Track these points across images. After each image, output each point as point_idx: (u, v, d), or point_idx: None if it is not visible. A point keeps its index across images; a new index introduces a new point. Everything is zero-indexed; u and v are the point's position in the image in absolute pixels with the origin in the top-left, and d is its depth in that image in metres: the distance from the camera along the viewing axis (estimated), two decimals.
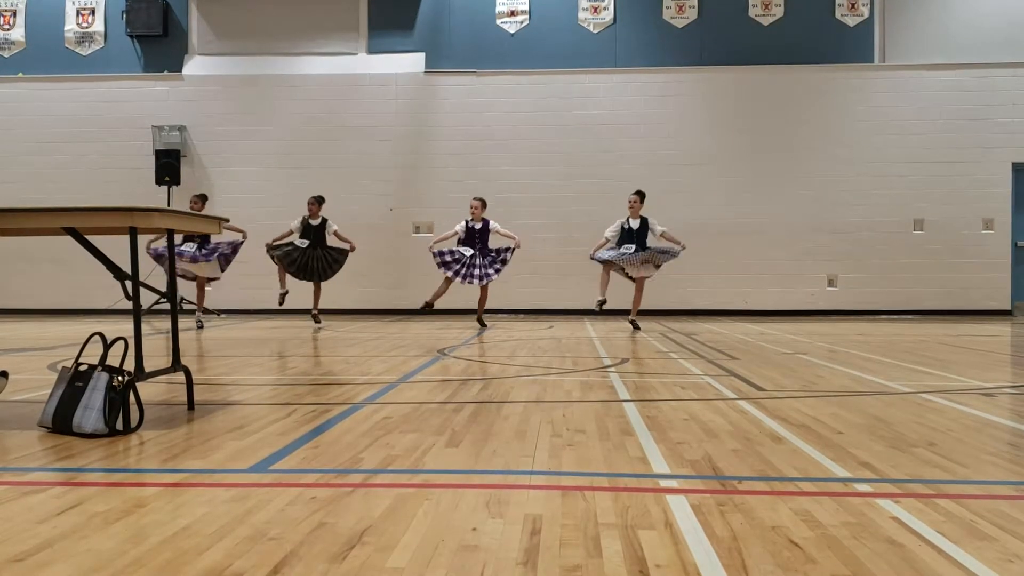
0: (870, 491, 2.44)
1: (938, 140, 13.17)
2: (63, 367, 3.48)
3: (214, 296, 13.11)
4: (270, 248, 10.26)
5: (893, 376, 5.23)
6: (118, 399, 3.28)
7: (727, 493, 2.42)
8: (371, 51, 13.77)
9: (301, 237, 10.35)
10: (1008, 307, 13.13)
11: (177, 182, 13.22)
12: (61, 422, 3.26)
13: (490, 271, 10.17)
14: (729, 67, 13.41)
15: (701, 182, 13.35)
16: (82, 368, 3.36)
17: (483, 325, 10.37)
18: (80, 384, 3.28)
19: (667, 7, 13.50)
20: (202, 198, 10.37)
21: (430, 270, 13.27)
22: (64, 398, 3.29)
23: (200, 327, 9.92)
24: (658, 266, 9.74)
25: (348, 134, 13.65)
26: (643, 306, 13.14)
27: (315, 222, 10.42)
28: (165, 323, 9.79)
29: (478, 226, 10.29)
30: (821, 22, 13.38)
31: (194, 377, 4.05)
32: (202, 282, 10.11)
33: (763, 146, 13.36)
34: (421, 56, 13.63)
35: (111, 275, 3.68)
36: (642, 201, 9.74)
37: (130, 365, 3.43)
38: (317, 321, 10.40)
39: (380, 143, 13.63)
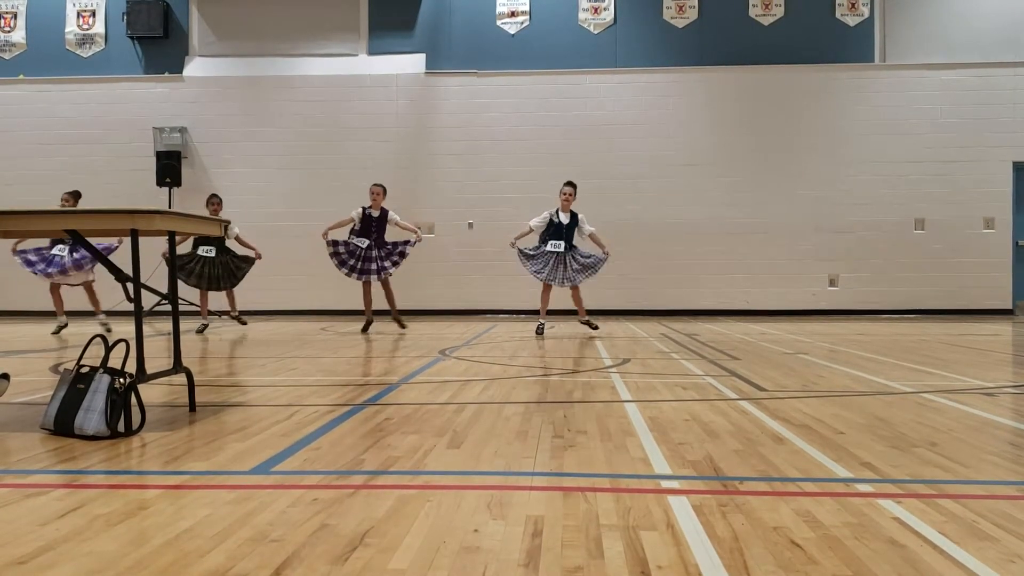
0: (871, 491, 2.44)
1: (939, 139, 13.17)
2: (65, 369, 3.49)
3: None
4: (167, 259, 9.46)
5: (894, 376, 5.23)
6: (120, 401, 3.28)
7: (728, 494, 2.42)
8: (372, 52, 13.78)
9: (200, 244, 9.50)
10: (1009, 306, 13.12)
11: (178, 183, 13.24)
12: (63, 424, 3.27)
13: (386, 264, 9.36)
14: (729, 67, 13.41)
15: (702, 182, 13.36)
16: (84, 370, 3.36)
17: (402, 326, 9.68)
18: (82, 386, 3.28)
19: (667, 7, 13.51)
20: (219, 200, 9.78)
21: (431, 271, 13.33)
22: (66, 400, 3.29)
23: (108, 330, 9.07)
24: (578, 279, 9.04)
25: (349, 135, 13.66)
26: (644, 306, 13.23)
27: None
28: (166, 325, 9.79)
29: (375, 214, 9.44)
30: (821, 22, 13.38)
31: (195, 379, 4.05)
32: (88, 285, 9.53)
33: (764, 146, 13.36)
34: (422, 57, 13.64)
35: (112, 277, 3.69)
36: (575, 194, 9.04)
37: (131, 367, 3.44)
38: (242, 322, 9.86)
39: (381, 144, 13.63)
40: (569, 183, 9.13)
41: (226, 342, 8.41)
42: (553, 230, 9.02)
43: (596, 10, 13.54)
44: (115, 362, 3.38)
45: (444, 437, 3.27)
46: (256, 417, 3.77)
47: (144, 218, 3.53)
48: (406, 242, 9.49)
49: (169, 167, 13.21)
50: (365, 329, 9.54)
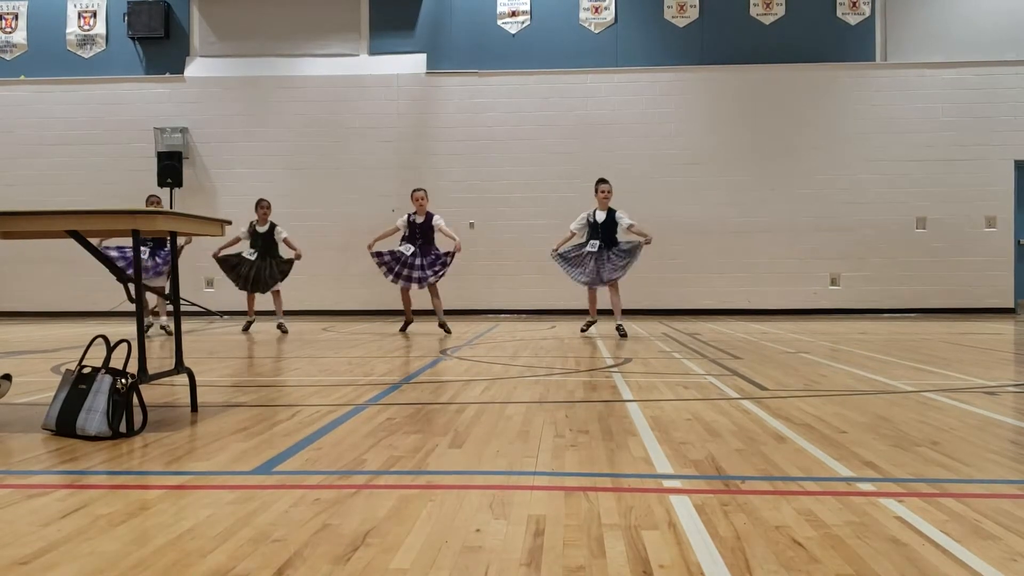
0: (873, 490, 2.44)
1: (940, 138, 13.17)
2: (66, 370, 3.49)
3: (217, 298, 13.13)
4: (218, 260, 9.60)
5: (896, 375, 5.22)
6: (121, 401, 3.28)
7: (730, 493, 2.42)
8: (372, 52, 13.79)
9: (250, 246, 9.63)
10: (1011, 305, 13.12)
11: (179, 184, 13.25)
12: (65, 425, 3.27)
13: (427, 272, 9.07)
14: (730, 66, 13.41)
15: (703, 181, 13.35)
16: (85, 371, 3.36)
17: (447, 331, 9.16)
18: (84, 387, 3.28)
19: (668, 7, 13.50)
20: (267, 204, 9.84)
21: None
22: (68, 401, 3.29)
23: (169, 333, 9.10)
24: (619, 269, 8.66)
25: (350, 135, 13.66)
26: (645, 305, 13.21)
27: (263, 228, 9.69)
28: (168, 325, 9.78)
29: (420, 220, 9.19)
30: (822, 21, 13.38)
31: (197, 379, 4.05)
32: (159, 290, 9.48)
33: (765, 145, 13.36)
34: (422, 57, 13.65)
35: (113, 278, 3.69)
36: (611, 190, 8.78)
37: (133, 367, 3.44)
38: (284, 330, 9.56)
39: (382, 144, 13.64)
40: (605, 180, 8.90)
41: (227, 343, 8.41)
42: (591, 230, 8.80)
43: (597, 9, 13.54)
44: (117, 362, 3.39)
45: (446, 437, 3.27)
46: (258, 417, 3.77)
47: (145, 219, 3.53)
48: (448, 253, 9.15)
49: (170, 167, 13.21)
50: (404, 328, 9.40)
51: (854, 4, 13.33)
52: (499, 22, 13.63)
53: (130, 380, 3.34)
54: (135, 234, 3.59)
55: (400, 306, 9.67)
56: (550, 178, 13.41)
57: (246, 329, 9.81)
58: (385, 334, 9.31)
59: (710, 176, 13.35)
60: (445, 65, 13.63)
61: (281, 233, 9.79)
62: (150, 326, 9.31)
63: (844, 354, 6.62)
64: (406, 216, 9.33)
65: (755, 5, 13.46)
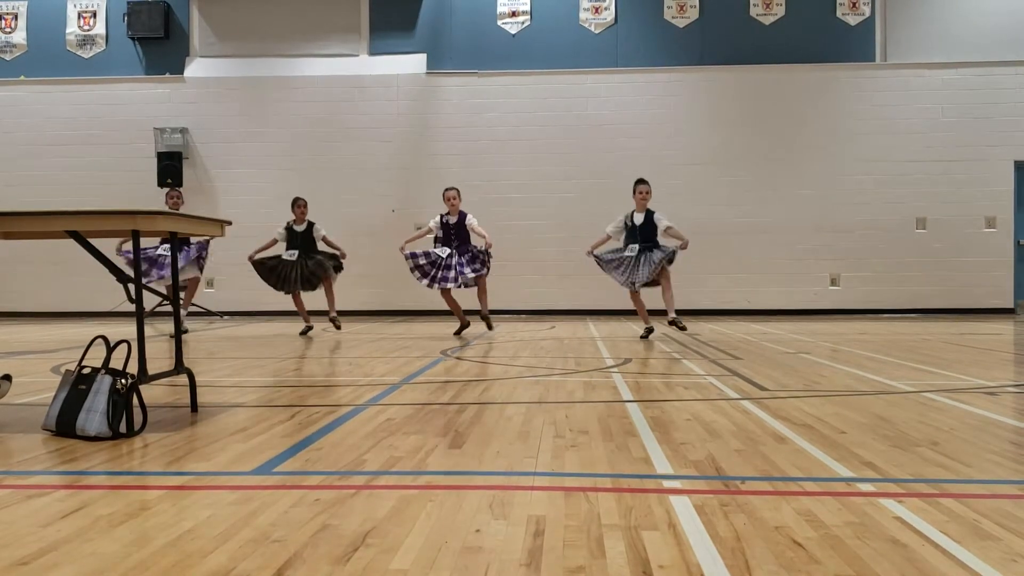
0: (873, 491, 2.44)
1: (940, 139, 13.16)
2: (66, 370, 3.49)
3: (218, 297, 13.13)
4: (254, 263, 9.32)
5: (896, 375, 5.22)
6: (121, 402, 3.28)
7: (730, 493, 2.42)
8: (372, 52, 13.78)
9: (287, 248, 9.38)
10: (1011, 305, 13.11)
11: (179, 184, 13.23)
12: (65, 425, 3.27)
13: (466, 270, 8.79)
14: (730, 67, 13.40)
15: (703, 182, 13.35)
16: (85, 371, 3.36)
17: (489, 326, 9.21)
18: (83, 387, 3.29)
19: (668, 7, 13.50)
20: (304, 203, 9.59)
21: None
22: (68, 401, 3.30)
23: (185, 331, 9.01)
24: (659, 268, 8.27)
25: (350, 135, 13.66)
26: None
27: (300, 227, 9.43)
28: (168, 326, 9.79)
29: (453, 220, 8.94)
30: (822, 21, 13.37)
31: (197, 379, 4.05)
32: (193, 281, 9.36)
33: (765, 145, 13.35)
34: (422, 57, 13.64)
35: (114, 278, 3.69)
36: (650, 191, 8.42)
37: (133, 368, 3.44)
38: (337, 326, 9.49)
39: (382, 144, 13.64)
40: (642, 180, 8.54)
41: (227, 344, 8.41)
42: (628, 233, 8.42)
43: (597, 10, 13.53)
44: (117, 363, 3.39)
45: (446, 437, 3.27)
46: (258, 418, 3.77)
47: (146, 219, 3.54)
48: (483, 251, 8.91)
49: (170, 168, 13.21)
50: (459, 332, 8.99)
51: (854, 4, 13.33)
52: (499, 22, 13.63)
53: (130, 380, 3.34)
54: (135, 234, 3.59)
55: (413, 307, 9.65)
56: (550, 178, 13.40)
57: (304, 333, 9.26)
58: (385, 335, 9.31)
59: (710, 176, 13.34)
60: (445, 65, 13.62)
61: (320, 231, 9.48)
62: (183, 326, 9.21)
63: (844, 354, 6.62)
64: (438, 217, 9.06)
65: (755, 5, 13.46)
